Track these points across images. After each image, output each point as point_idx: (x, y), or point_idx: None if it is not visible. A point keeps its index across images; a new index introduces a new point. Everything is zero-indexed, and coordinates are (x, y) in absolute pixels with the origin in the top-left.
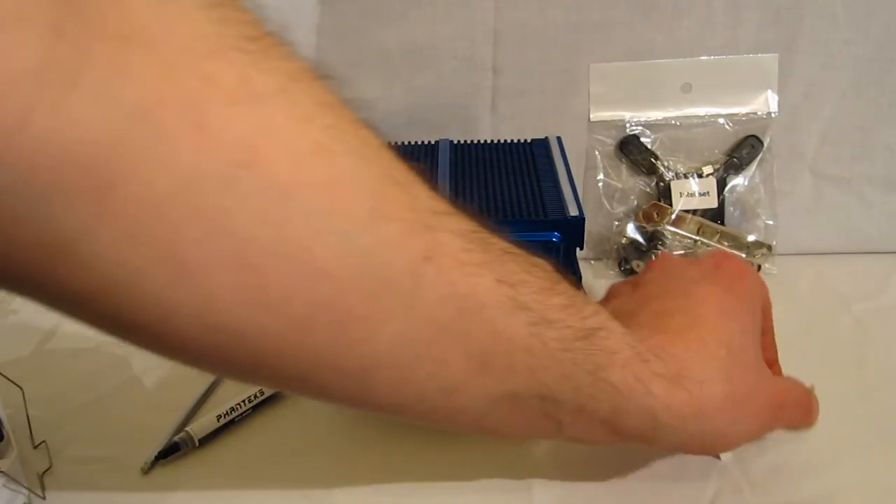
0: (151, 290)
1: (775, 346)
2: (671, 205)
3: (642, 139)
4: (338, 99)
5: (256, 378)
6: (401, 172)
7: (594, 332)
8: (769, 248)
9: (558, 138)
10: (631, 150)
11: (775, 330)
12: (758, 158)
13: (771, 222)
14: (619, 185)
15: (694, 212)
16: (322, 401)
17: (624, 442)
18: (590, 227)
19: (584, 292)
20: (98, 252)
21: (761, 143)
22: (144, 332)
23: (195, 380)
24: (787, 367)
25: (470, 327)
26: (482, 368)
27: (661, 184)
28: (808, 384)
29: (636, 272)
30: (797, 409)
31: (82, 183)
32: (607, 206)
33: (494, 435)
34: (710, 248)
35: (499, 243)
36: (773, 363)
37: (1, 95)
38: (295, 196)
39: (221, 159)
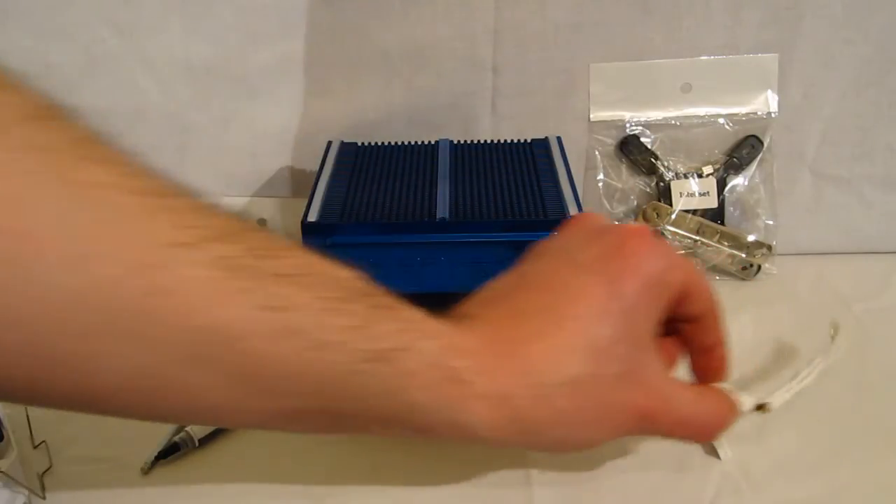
0: None
1: (719, 337)
2: (671, 205)
3: (642, 139)
4: (55, 140)
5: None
6: (142, 204)
7: (387, 354)
8: (769, 248)
9: (558, 138)
10: (631, 150)
11: (774, 330)
12: (758, 158)
13: (771, 222)
14: (619, 185)
15: (694, 212)
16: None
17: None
18: None
19: (405, 306)
20: None
21: (761, 143)
22: None
23: None
24: (787, 367)
25: (224, 356)
26: (251, 391)
27: (661, 184)
28: (740, 401)
29: None
30: (678, 426)
31: None
32: (607, 206)
33: (297, 432)
34: (710, 249)
35: (273, 266)
36: (711, 353)
37: None
38: None
39: None
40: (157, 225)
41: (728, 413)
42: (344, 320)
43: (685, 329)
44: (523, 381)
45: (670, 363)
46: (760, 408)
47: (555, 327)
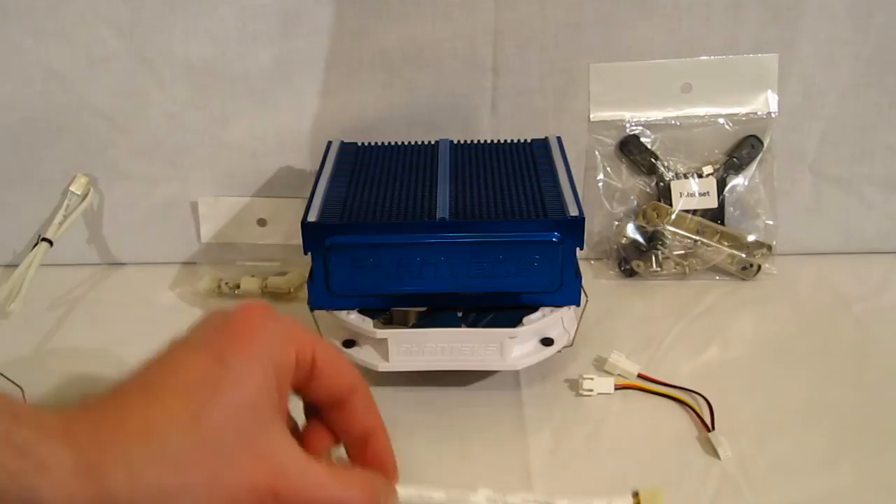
0: None
1: (371, 418)
2: (671, 205)
3: (642, 139)
4: None
5: None
6: None
7: None
8: (769, 248)
9: (558, 138)
10: (631, 150)
11: (776, 328)
12: (758, 158)
13: (771, 222)
14: (619, 185)
15: (694, 212)
16: None
17: None
18: (590, 227)
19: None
20: None
21: (761, 143)
22: None
23: None
24: (788, 366)
25: None
26: None
27: (661, 184)
28: (380, 485)
29: (636, 272)
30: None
31: None
32: (607, 206)
33: None
34: (710, 249)
35: None
36: (359, 442)
37: None
38: None
39: None
40: None
41: (374, 499)
42: None
43: (328, 416)
44: (113, 453)
45: (317, 449)
46: None
47: (154, 401)
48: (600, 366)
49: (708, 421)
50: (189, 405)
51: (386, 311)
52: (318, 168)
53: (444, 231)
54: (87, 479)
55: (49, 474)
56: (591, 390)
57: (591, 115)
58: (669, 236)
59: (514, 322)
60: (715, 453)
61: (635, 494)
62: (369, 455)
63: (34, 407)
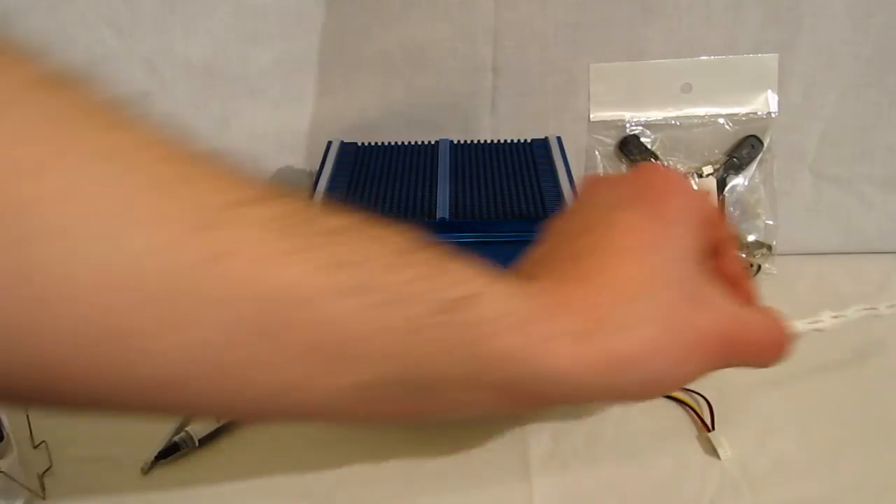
0: None
1: (740, 266)
2: None
3: (642, 139)
4: (74, 106)
5: (41, 405)
6: (178, 169)
7: (461, 303)
8: (769, 248)
9: (558, 138)
10: (631, 150)
11: None
12: (758, 158)
13: (771, 222)
14: None
15: None
16: (141, 418)
17: (534, 408)
18: None
19: (466, 256)
20: None
21: (761, 143)
22: None
23: None
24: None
25: (291, 324)
26: (322, 363)
27: None
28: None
29: None
30: (754, 346)
31: None
32: None
33: (374, 423)
34: None
35: (328, 223)
36: (737, 283)
37: None
38: (25, 213)
39: None
40: (199, 189)
41: (787, 328)
42: (411, 272)
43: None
44: (599, 315)
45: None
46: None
47: (612, 260)
48: None
49: (708, 421)
50: (650, 262)
51: None
52: (318, 168)
53: (444, 231)
54: (585, 341)
55: (557, 341)
56: None
57: (591, 115)
58: None
59: None
60: (715, 453)
61: None
62: (742, 296)
63: (513, 277)
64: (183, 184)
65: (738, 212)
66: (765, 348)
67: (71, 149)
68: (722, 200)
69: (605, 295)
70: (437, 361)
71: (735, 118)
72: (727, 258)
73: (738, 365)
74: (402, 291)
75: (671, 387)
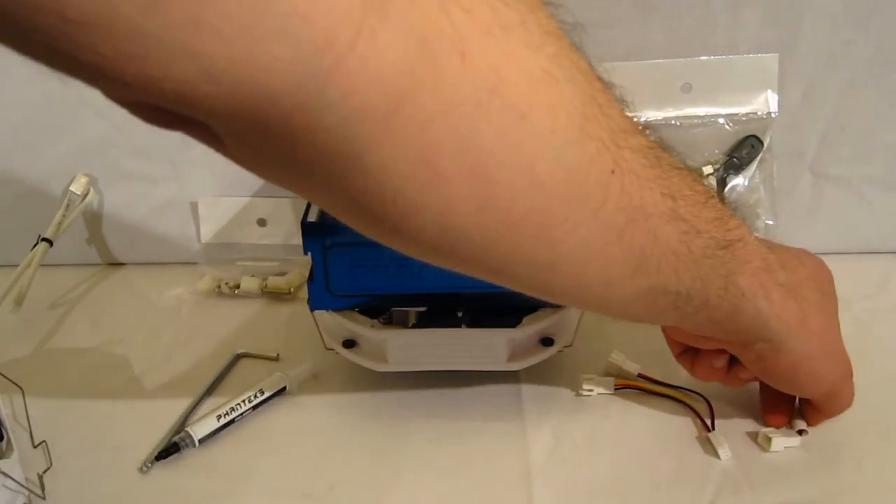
0: (409, 195)
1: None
2: None
3: None
4: (559, 28)
5: (465, 267)
6: (602, 94)
7: (734, 243)
8: None
9: None
10: None
11: None
12: (758, 158)
13: (771, 222)
14: None
15: None
16: (507, 286)
17: (727, 338)
18: None
19: (730, 207)
20: (378, 162)
21: (761, 143)
22: (391, 228)
23: (194, 380)
24: None
25: (635, 233)
26: (637, 268)
27: None
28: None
29: None
30: (850, 392)
31: (379, 104)
32: None
33: (628, 320)
34: None
35: (667, 158)
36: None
37: (336, 22)
38: (528, 118)
39: (476, 84)
40: (616, 111)
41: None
42: (709, 213)
43: None
44: (802, 283)
45: None
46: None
47: (808, 279)
48: (600, 366)
49: (708, 421)
50: (824, 299)
51: (386, 311)
52: None
53: None
54: (790, 299)
55: (777, 288)
56: (591, 390)
57: None
58: None
59: (514, 322)
60: (715, 453)
61: None
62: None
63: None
64: (604, 107)
65: (738, 212)
66: (847, 400)
67: (558, 65)
68: (722, 200)
69: (802, 279)
70: (703, 285)
71: (735, 118)
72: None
73: (838, 401)
74: (701, 228)
75: (812, 381)
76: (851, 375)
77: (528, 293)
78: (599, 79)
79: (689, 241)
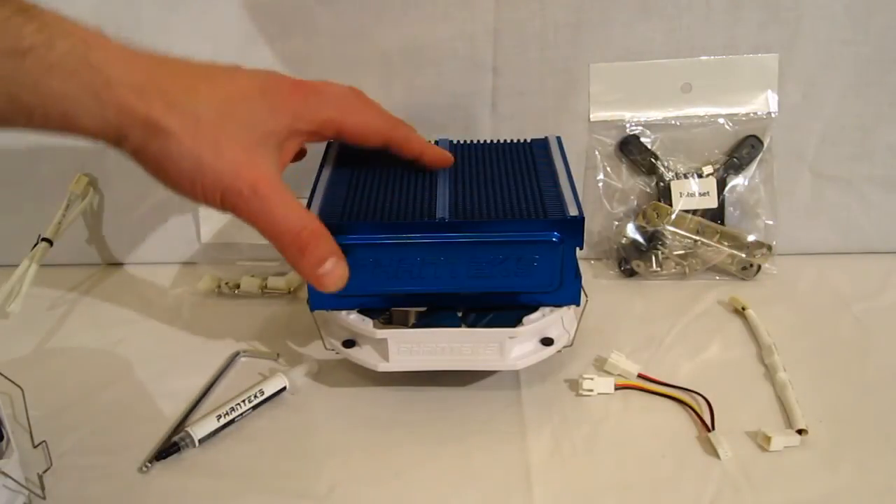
0: None
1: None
2: (671, 205)
3: (642, 139)
4: None
5: None
6: None
7: (30, 51)
8: (769, 248)
9: (558, 138)
10: (631, 150)
11: (776, 328)
12: (758, 158)
13: (771, 222)
14: (619, 185)
15: (694, 212)
16: None
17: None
18: (590, 227)
19: (50, 12)
20: None
21: (761, 143)
22: None
23: (194, 380)
24: (788, 366)
25: None
26: None
27: (661, 184)
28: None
29: (636, 272)
30: (270, 218)
31: None
32: (607, 206)
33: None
34: (710, 249)
35: None
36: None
37: None
38: None
39: None
40: None
41: (317, 233)
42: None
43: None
44: (164, 87)
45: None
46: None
47: (202, 76)
48: (600, 366)
49: (708, 421)
50: (226, 93)
51: (386, 311)
52: (318, 168)
53: (444, 231)
54: (142, 99)
55: (116, 90)
56: (591, 390)
57: (591, 115)
58: (669, 236)
59: (514, 322)
60: (715, 453)
61: None
62: (427, 163)
63: (91, 30)
64: None
65: (738, 212)
66: (277, 228)
67: None
68: (722, 200)
69: (178, 83)
70: (6, 94)
71: (735, 118)
72: (397, 150)
73: (247, 219)
74: None
75: (201, 177)
76: (238, 192)
77: None
78: None
79: None
